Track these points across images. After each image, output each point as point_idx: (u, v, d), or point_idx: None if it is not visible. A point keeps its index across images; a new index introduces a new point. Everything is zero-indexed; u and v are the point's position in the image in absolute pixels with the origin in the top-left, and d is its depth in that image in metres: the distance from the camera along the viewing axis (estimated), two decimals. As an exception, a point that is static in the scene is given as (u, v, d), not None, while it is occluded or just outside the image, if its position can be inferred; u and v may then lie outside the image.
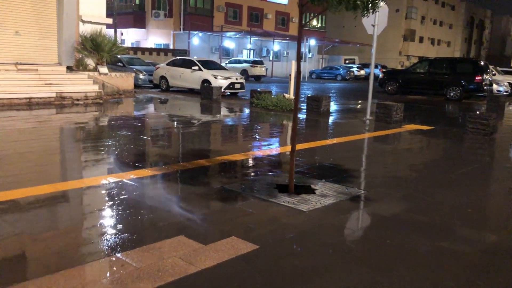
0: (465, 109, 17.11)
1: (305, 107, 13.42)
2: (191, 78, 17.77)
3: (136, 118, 11.23)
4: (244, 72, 32.43)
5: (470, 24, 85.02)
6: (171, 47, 37.19)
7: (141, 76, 20.06)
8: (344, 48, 57.27)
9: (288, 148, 7.57)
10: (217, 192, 4.83)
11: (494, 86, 21.99)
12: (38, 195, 4.43)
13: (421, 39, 68.20)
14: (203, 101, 15.22)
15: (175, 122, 10.85)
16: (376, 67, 48.12)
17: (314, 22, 50.45)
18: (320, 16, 50.73)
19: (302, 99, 15.88)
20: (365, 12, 4.66)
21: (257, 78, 33.22)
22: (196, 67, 17.66)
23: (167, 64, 19.03)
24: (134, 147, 7.07)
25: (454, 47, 78.95)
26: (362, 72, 45.31)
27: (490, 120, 9.47)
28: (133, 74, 16.65)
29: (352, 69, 43.72)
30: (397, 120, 11.19)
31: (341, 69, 42.74)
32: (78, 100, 13.17)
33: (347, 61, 50.79)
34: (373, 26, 10.45)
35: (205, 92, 15.72)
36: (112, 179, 5.14)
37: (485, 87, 19.62)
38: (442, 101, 19.78)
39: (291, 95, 13.80)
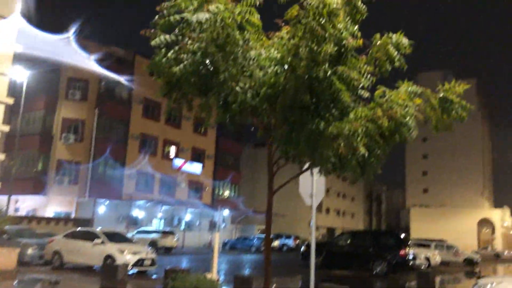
0: (395, 286, 15.90)
1: (230, 290, 11.25)
2: (92, 252, 15.00)
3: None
4: (153, 244, 29.65)
5: (369, 197, 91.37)
6: (74, 215, 33.89)
7: (30, 251, 16.77)
8: (255, 218, 57.00)
9: None
10: None
11: (414, 260, 21.52)
12: None
13: (327, 210, 70.79)
14: (104, 283, 12.40)
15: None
16: (289, 237, 47.55)
17: (227, 192, 50.45)
18: (233, 185, 51.09)
19: (225, 281, 13.68)
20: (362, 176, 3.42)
21: (168, 249, 30.44)
22: (99, 240, 15.05)
23: (65, 236, 16.21)
24: None
25: (357, 218, 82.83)
26: (276, 243, 44.21)
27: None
28: (18, 249, 13.61)
29: (266, 240, 42.56)
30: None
31: (255, 240, 41.35)
32: None
33: (259, 231, 50.02)
34: (311, 196, 9.31)
35: (107, 270, 12.94)
36: None
37: (410, 262, 18.93)
38: (368, 277, 18.56)
39: (213, 273, 11.64)
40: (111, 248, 14.75)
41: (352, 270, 19.98)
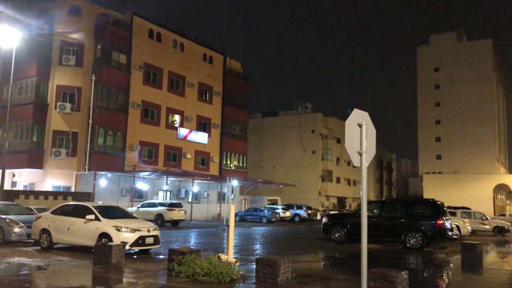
0: (440, 262, 13.70)
1: (252, 275, 9.01)
2: (84, 231, 12.81)
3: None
4: (159, 217, 27.69)
5: (380, 165, 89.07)
6: (73, 189, 31.86)
7: (16, 230, 14.67)
8: (264, 189, 55.10)
9: None
10: None
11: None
12: None
13: (338, 180, 68.71)
14: (96, 268, 10.24)
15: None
16: (300, 207, 45.53)
17: (234, 162, 48.23)
18: (241, 155, 48.83)
19: (242, 262, 11.44)
20: None
21: (175, 223, 28.45)
22: (92, 216, 12.83)
23: (53, 213, 14.02)
24: None
25: (368, 187, 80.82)
26: (288, 213, 42.20)
27: None
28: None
29: (277, 211, 40.45)
30: (403, 298, 7.12)
31: (266, 211, 39.25)
32: None
33: (269, 202, 47.95)
34: (360, 154, 6.92)
35: (101, 252, 10.76)
36: None
37: (449, 232, 16.71)
38: (402, 250, 16.41)
39: (229, 255, 9.42)
40: (106, 225, 12.54)
41: (381, 243, 17.82)
